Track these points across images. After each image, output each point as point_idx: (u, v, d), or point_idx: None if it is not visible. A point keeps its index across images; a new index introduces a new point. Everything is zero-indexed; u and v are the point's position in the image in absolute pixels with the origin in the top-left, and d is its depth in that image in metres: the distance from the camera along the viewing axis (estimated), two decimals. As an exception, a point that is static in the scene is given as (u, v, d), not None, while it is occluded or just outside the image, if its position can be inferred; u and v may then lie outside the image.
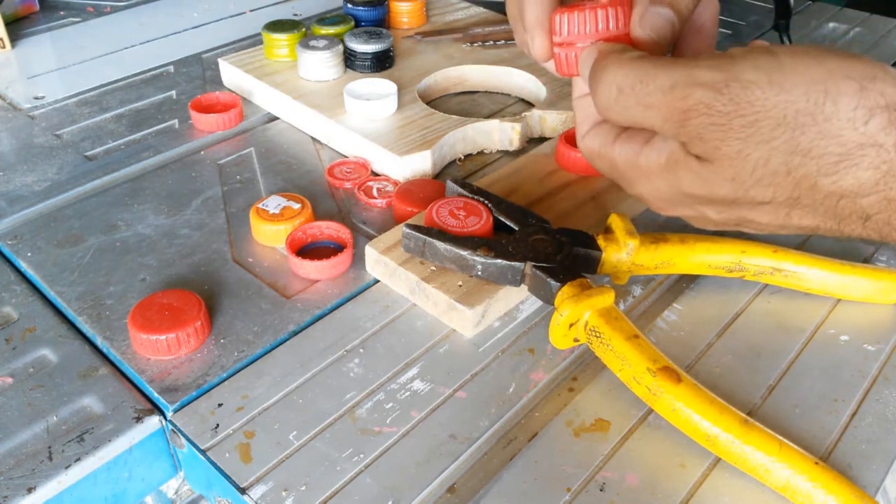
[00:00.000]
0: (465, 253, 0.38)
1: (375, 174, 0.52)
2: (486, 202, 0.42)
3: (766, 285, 0.43)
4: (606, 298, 0.35)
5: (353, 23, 0.63)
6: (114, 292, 0.41)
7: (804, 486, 0.30)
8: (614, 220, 0.40)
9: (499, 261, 0.38)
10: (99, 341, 0.39)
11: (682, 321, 0.41)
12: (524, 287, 0.39)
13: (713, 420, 0.32)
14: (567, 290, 0.36)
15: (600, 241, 0.40)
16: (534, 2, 0.35)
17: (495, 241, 0.39)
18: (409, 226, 0.40)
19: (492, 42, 0.64)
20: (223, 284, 0.42)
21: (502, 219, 0.42)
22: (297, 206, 0.45)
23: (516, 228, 0.41)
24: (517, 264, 0.38)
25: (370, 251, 0.42)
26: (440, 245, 0.39)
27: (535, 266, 0.38)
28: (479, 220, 0.41)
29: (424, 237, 0.39)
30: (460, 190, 0.43)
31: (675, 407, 0.33)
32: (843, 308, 0.42)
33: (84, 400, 0.36)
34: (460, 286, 0.39)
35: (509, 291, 0.40)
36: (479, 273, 0.39)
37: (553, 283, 0.37)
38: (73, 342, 0.39)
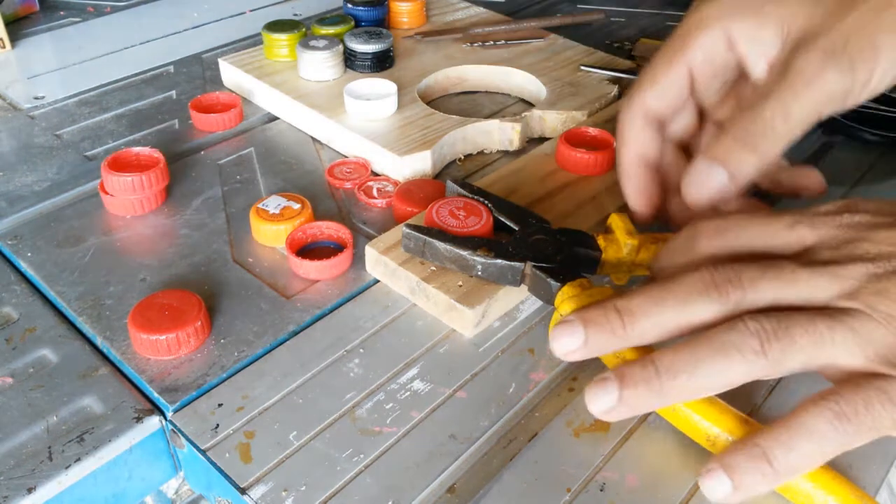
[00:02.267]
0: (465, 253, 0.38)
1: (375, 174, 0.52)
2: (486, 202, 0.42)
3: (766, 285, 0.43)
4: (606, 298, 0.35)
5: (353, 23, 0.63)
6: (114, 292, 0.41)
7: (804, 486, 0.30)
8: (614, 220, 0.40)
9: (499, 261, 0.38)
10: (99, 341, 0.39)
11: (682, 321, 0.41)
12: (524, 287, 0.39)
13: (713, 420, 0.32)
14: (567, 290, 0.36)
15: (600, 241, 0.40)
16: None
17: (495, 241, 0.39)
18: (409, 226, 0.40)
19: (492, 42, 0.64)
20: (223, 284, 0.42)
21: (502, 219, 0.42)
22: (297, 206, 0.45)
23: (516, 228, 0.41)
24: (517, 264, 0.38)
25: (370, 251, 0.42)
26: (440, 245, 0.39)
27: (535, 266, 0.38)
28: (479, 220, 0.41)
29: (424, 237, 0.39)
30: (460, 190, 0.43)
31: (674, 407, 0.33)
32: (843, 308, 0.42)
33: (84, 400, 0.36)
34: (460, 286, 0.39)
35: (509, 291, 0.40)
36: (479, 273, 0.38)
37: (553, 283, 0.37)
38: (73, 342, 0.39)
